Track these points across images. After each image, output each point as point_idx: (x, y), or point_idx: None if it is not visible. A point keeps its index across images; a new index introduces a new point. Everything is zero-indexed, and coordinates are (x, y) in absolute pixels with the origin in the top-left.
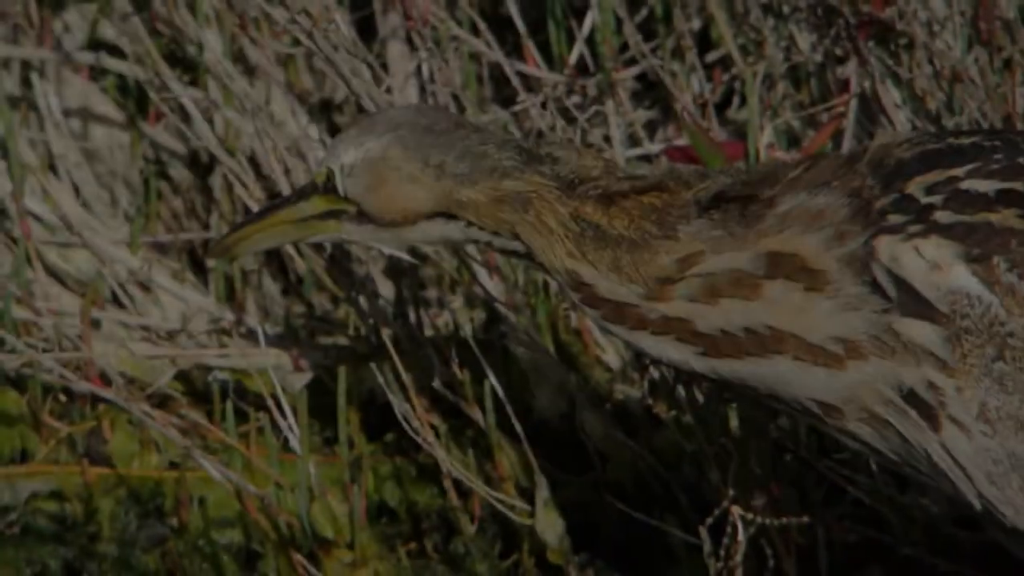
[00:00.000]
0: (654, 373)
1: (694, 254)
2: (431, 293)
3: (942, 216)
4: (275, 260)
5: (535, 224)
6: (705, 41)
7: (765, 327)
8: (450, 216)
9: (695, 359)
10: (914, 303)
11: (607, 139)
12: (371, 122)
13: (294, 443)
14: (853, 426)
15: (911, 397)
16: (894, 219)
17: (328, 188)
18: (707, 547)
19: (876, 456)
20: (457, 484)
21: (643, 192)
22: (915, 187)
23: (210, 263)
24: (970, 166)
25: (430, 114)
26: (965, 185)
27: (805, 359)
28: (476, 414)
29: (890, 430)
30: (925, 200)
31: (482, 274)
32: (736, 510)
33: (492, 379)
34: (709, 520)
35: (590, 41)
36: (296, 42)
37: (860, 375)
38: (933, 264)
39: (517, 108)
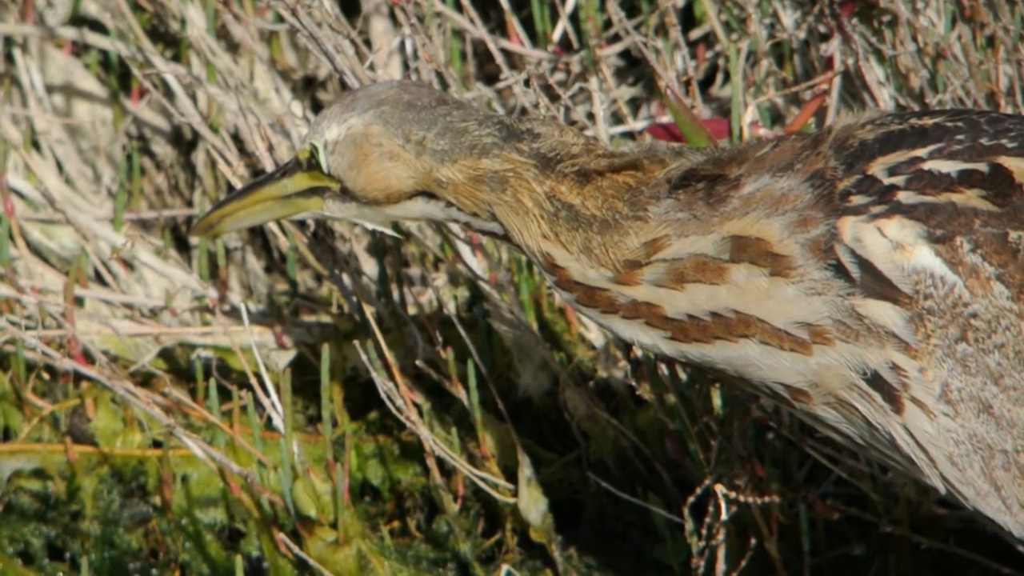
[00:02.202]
0: (638, 352)
1: (660, 238)
2: (414, 271)
3: (905, 197)
4: (258, 238)
5: (511, 204)
6: (689, 18)
7: (731, 311)
8: (431, 195)
9: (664, 343)
10: (877, 284)
11: (591, 116)
12: (353, 98)
13: (277, 422)
14: (820, 410)
15: (875, 380)
16: (857, 200)
17: (311, 165)
18: (689, 525)
19: (844, 440)
20: (440, 463)
21: (619, 171)
22: (878, 168)
23: (193, 240)
24: (933, 147)
25: (412, 90)
26: (928, 166)
27: (771, 343)
28: (459, 392)
29: (856, 414)
30: (888, 181)
31: (465, 252)
32: (719, 489)
33: (475, 357)
34: (692, 499)
35: (574, 18)
36: (279, 18)
37: (826, 359)
38: (896, 244)
39: (501, 85)
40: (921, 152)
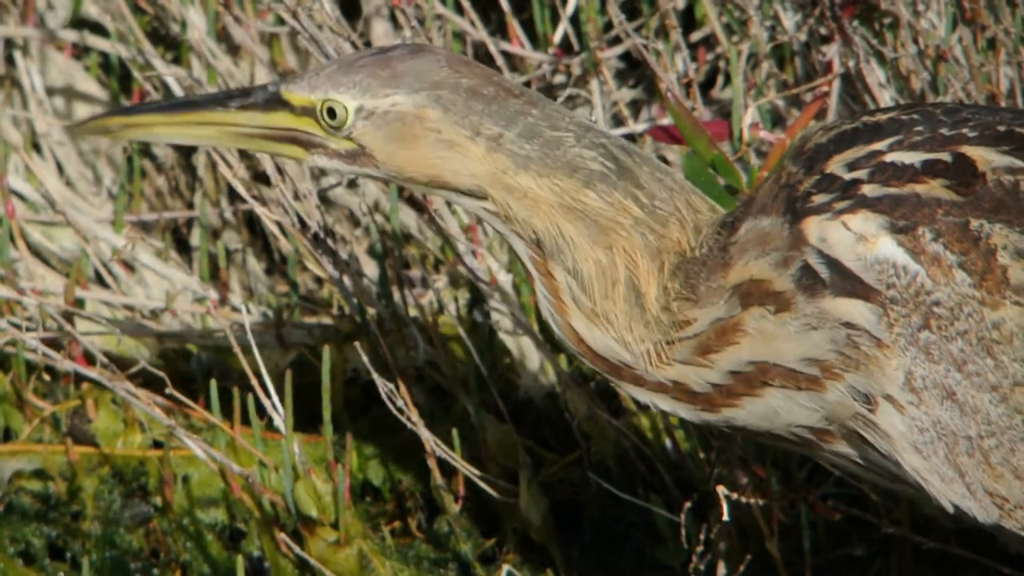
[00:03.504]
0: None
1: (688, 319)
2: (415, 273)
3: (870, 190)
4: (259, 239)
5: (601, 263)
6: (689, 20)
7: (749, 364)
8: (481, 197)
9: (690, 414)
10: (845, 282)
11: (591, 119)
12: (392, 70)
13: (278, 422)
14: (843, 447)
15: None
16: (819, 199)
17: (306, 112)
18: (690, 526)
19: (867, 475)
20: (441, 463)
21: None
22: (835, 165)
23: (72, 136)
24: (891, 140)
25: (464, 70)
26: (890, 158)
27: (788, 386)
28: (460, 393)
29: (866, 445)
30: (849, 176)
31: (466, 254)
32: (720, 490)
33: (476, 358)
34: (692, 500)
35: (574, 20)
36: (280, 21)
37: (838, 394)
38: (859, 236)
39: None
40: (879, 146)
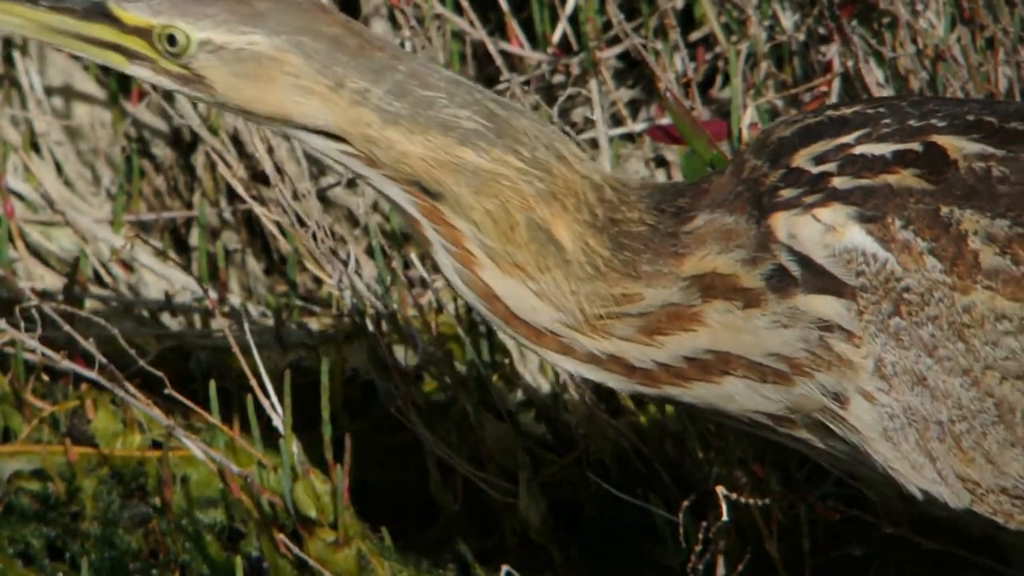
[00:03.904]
0: None
1: (635, 294)
2: (414, 273)
3: (840, 182)
4: (258, 239)
5: (493, 213)
6: (688, 20)
7: (707, 352)
8: (339, 139)
9: (623, 385)
10: (817, 278)
11: (589, 119)
12: (251, 9)
13: (277, 422)
14: (800, 432)
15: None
16: (787, 194)
17: (139, 32)
18: (689, 526)
19: (825, 458)
20: (440, 463)
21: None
22: (802, 159)
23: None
24: (858, 133)
25: (324, 19)
26: (859, 150)
27: (752, 378)
28: (460, 393)
29: (830, 433)
30: (817, 170)
31: None
32: (719, 490)
33: (476, 358)
34: (691, 500)
35: (573, 20)
36: None
37: (807, 389)
38: (828, 227)
39: (501, 87)
40: (847, 139)
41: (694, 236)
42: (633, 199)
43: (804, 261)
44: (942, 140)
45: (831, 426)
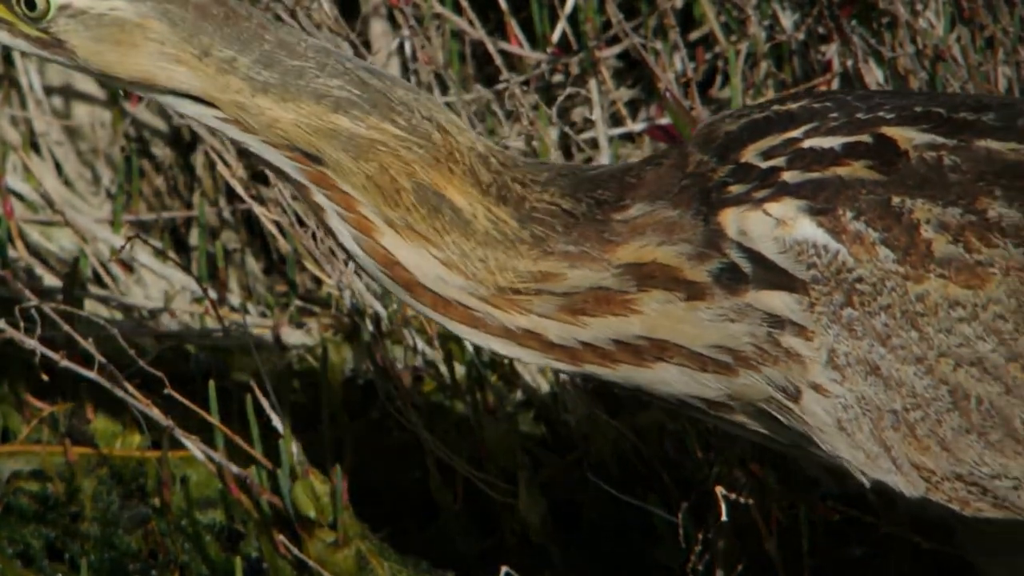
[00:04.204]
0: None
1: (555, 272)
2: None
3: (790, 176)
4: (257, 239)
5: (375, 177)
6: (688, 20)
7: (640, 338)
8: (209, 104)
9: (535, 359)
10: (768, 273)
11: (589, 119)
12: None
13: (277, 422)
14: (738, 417)
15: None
16: (737, 189)
17: None
18: (688, 527)
19: (757, 438)
20: (440, 463)
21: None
22: (751, 155)
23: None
24: (806, 127)
25: None
26: (808, 144)
27: (691, 366)
28: (459, 393)
29: (774, 420)
30: (766, 164)
31: None
32: (718, 490)
33: (474, 358)
34: (691, 500)
35: (573, 19)
36: (278, 19)
37: (751, 380)
38: (778, 221)
39: (500, 87)
40: (795, 133)
41: (630, 226)
42: (542, 179)
43: (755, 257)
44: (891, 131)
45: (776, 415)
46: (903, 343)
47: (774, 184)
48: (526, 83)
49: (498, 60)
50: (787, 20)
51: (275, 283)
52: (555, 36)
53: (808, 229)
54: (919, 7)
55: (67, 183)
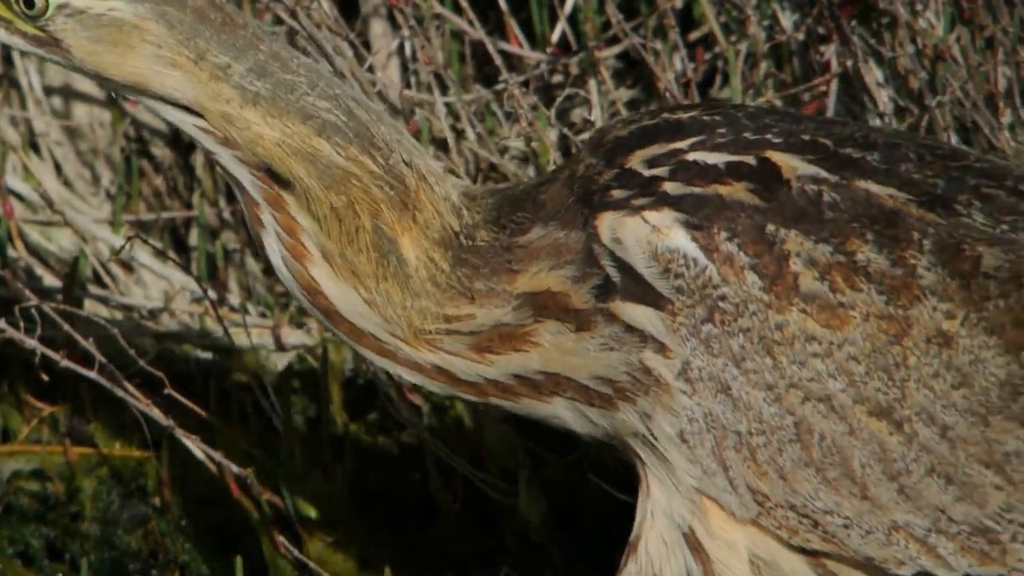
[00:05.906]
0: None
1: (465, 315)
2: None
3: (671, 187)
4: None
5: (340, 211)
6: (688, 20)
7: (538, 373)
8: (197, 114)
9: (442, 390)
10: (635, 285)
11: (588, 120)
12: None
13: (277, 423)
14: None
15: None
16: (618, 194)
17: None
18: None
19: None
20: (440, 464)
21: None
22: (636, 161)
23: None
24: (693, 139)
25: None
26: (692, 157)
27: (580, 400)
28: None
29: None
30: (649, 172)
31: None
32: None
33: None
34: None
35: (572, 20)
36: (279, 20)
37: (628, 416)
38: (653, 228)
39: (499, 87)
40: (681, 144)
41: (527, 251)
42: (479, 211)
43: (625, 268)
44: (776, 157)
45: (640, 451)
46: (756, 368)
47: (655, 193)
48: (526, 83)
49: (498, 60)
50: (787, 20)
51: (275, 283)
52: (555, 36)
53: (681, 240)
54: (919, 7)
55: (67, 183)
